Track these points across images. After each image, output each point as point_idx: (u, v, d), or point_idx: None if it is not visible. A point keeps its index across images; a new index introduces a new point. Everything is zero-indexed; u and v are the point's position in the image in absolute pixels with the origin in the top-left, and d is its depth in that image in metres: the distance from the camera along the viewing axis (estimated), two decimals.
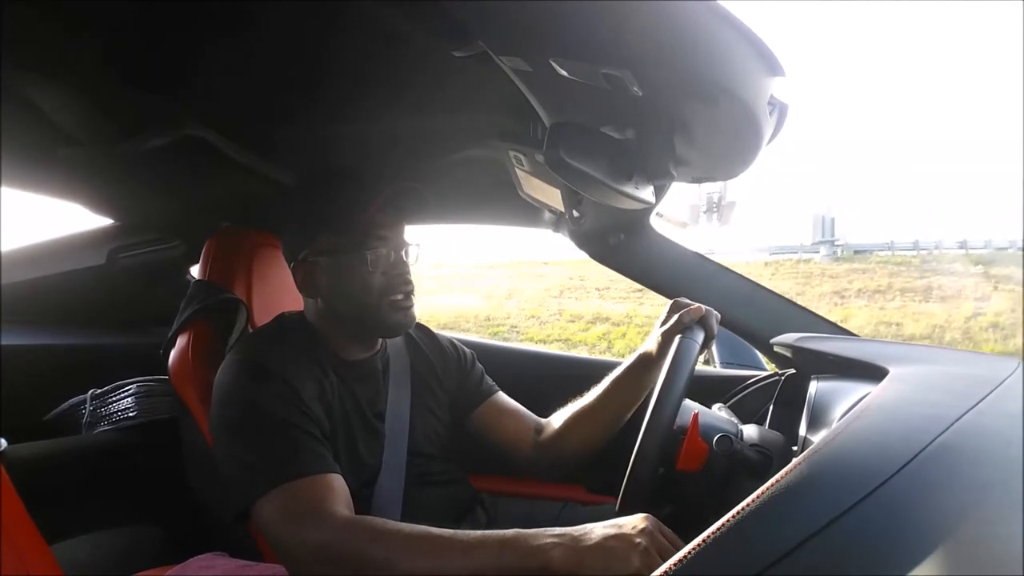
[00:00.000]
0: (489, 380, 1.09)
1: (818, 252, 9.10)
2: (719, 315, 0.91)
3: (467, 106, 0.98)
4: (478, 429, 1.05)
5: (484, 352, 1.15)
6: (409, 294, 0.91)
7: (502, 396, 1.08)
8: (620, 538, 0.63)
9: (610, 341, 6.19)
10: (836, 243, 9.05)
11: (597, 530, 0.64)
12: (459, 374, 1.06)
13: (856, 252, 9.05)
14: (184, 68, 0.86)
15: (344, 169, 0.94)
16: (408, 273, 0.91)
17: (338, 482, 0.76)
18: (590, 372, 1.06)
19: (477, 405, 1.05)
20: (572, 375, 1.11)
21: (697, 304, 0.90)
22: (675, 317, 0.89)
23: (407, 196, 0.90)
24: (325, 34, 0.78)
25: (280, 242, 1.26)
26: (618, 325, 6.59)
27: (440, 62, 0.76)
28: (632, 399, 0.98)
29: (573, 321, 6.83)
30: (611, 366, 1.02)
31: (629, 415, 0.99)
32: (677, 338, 0.83)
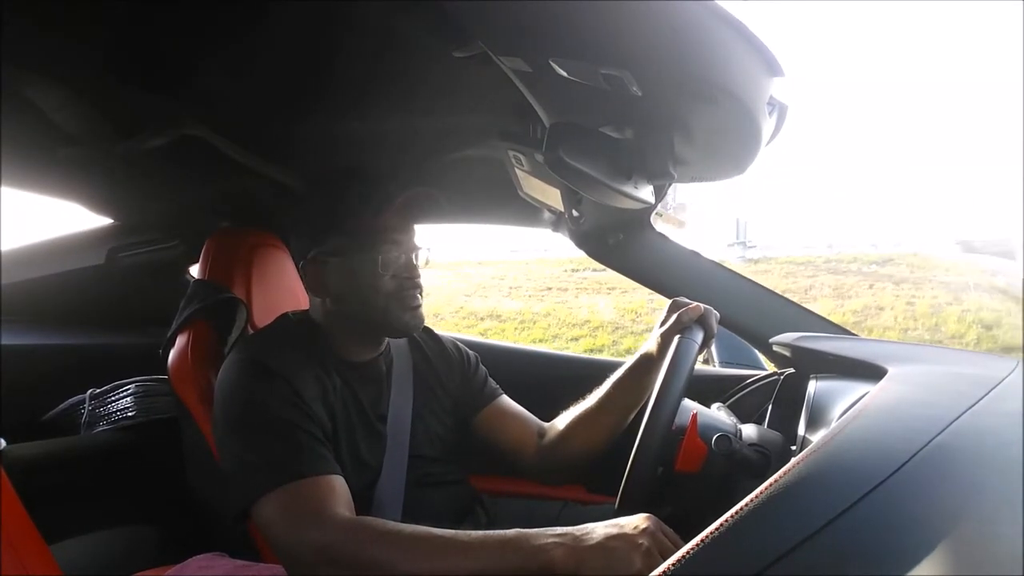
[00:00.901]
0: (493, 383, 1.09)
1: (732, 253, 9.49)
2: (718, 314, 0.91)
3: (467, 106, 0.98)
4: (481, 432, 1.05)
5: (487, 352, 1.15)
6: (418, 295, 0.92)
7: (505, 400, 1.08)
8: (622, 538, 0.63)
9: (486, 336, 6.70)
10: (749, 245, 9.26)
11: (599, 530, 0.64)
12: (462, 377, 1.06)
13: (766, 254, 9.42)
14: (185, 69, 0.86)
15: (354, 170, 0.94)
16: (418, 276, 0.92)
17: (339, 483, 0.76)
18: (593, 372, 1.06)
19: (480, 409, 1.05)
20: (574, 375, 1.11)
21: (696, 303, 0.90)
22: (674, 317, 0.89)
23: (422, 201, 0.90)
24: (325, 35, 0.78)
25: (280, 242, 1.28)
26: (504, 322, 6.97)
27: (440, 62, 0.76)
28: (634, 401, 0.98)
29: (466, 318, 7.20)
30: (614, 366, 1.02)
31: (631, 417, 0.99)
32: (676, 338, 0.83)
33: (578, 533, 0.64)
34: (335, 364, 0.90)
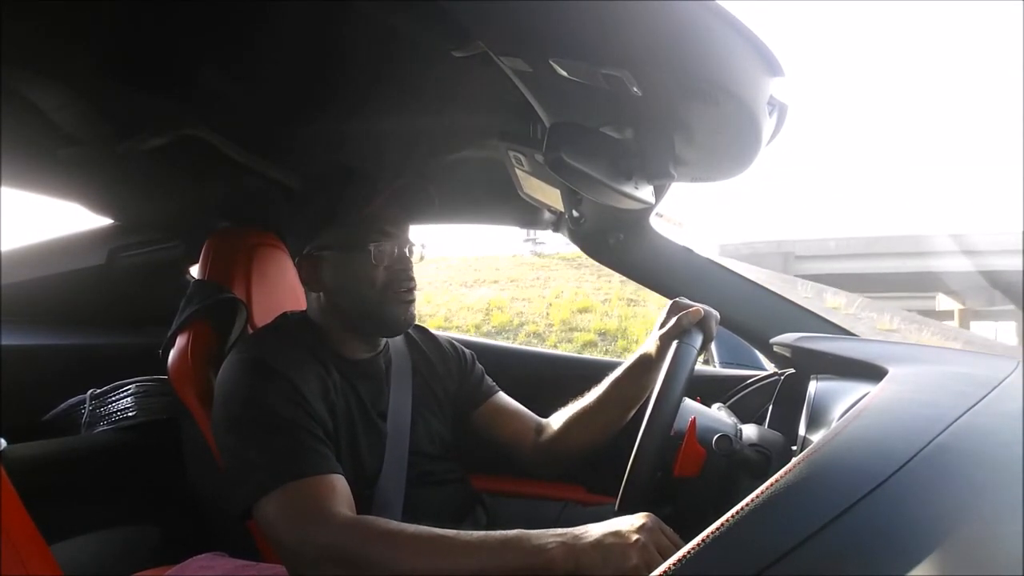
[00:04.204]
0: (489, 380, 1.09)
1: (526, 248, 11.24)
2: (718, 316, 0.91)
3: (467, 106, 0.98)
4: (479, 429, 1.05)
5: (484, 352, 1.15)
6: (411, 291, 0.92)
7: (502, 396, 1.08)
8: (619, 535, 0.63)
9: None
10: (537, 241, 10.78)
11: (597, 529, 0.65)
12: (460, 375, 1.06)
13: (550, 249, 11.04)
14: (185, 69, 0.86)
15: (351, 168, 0.95)
16: (410, 270, 0.92)
17: (340, 482, 0.76)
18: (590, 372, 1.06)
19: (478, 405, 1.05)
20: (572, 375, 1.11)
21: (696, 307, 0.89)
22: (673, 320, 0.89)
23: (412, 193, 0.91)
24: (325, 36, 0.78)
25: (280, 242, 1.28)
26: None
27: (440, 62, 0.76)
28: (632, 400, 0.98)
29: None
30: (611, 366, 1.02)
31: (629, 416, 0.99)
32: (675, 343, 0.83)
33: (577, 532, 0.65)
34: (335, 362, 0.90)
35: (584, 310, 7.87)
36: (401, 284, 0.91)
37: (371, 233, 0.89)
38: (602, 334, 7.33)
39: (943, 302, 13.35)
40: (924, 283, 12.33)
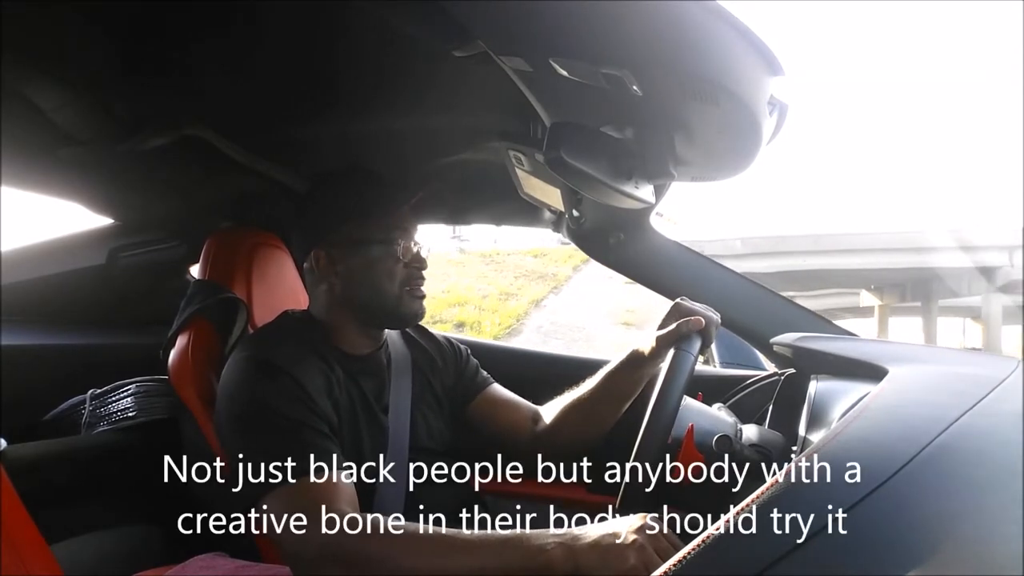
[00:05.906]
0: (484, 373, 1.10)
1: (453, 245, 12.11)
2: (719, 320, 0.90)
3: (467, 106, 0.98)
4: (475, 421, 1.05)
5: (482, 352, 1.15)
6: (421, 287, 0.95)
7: (497, 387, 1.09)
8: (617, 536, 0.64)
9: None
10: (462, 239, 11.59)
11: (596, 529, 0.66)
12: (456, 370, 1.07)
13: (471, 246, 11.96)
14: (185, 69, 0.86)
15: (363, 167, 0.98)
16: (425, 268, 0.95)
17: (344, 480, 0.77)
18: (589, 372, 1.06)
19: (473, 397, 1.06)
20: (571, 375, 1.10)
21: (698, 315, 0.88)
22: (674, 325, 0.88)
23: (437, 198, 0.93)
24: (325, 34, 0.78)
25: (280, 242, 1.28)
26: None
27: (440, 62, 0.76)
28: (625, 395, 0.99)
29: None
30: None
31: (622, 410, 1.00)
32: (672, 350, 0.83)
33: (576, 533, 0.66)
34: (337, 357, 0.91)
35: (457, 304, 8.49)
36: (417, 280, 0.94)
37: (395, 230, 0.92)
38: (459, 326, 8.02)
39: (866, 299, 13.53)
40: (847, 279, 12.44)
